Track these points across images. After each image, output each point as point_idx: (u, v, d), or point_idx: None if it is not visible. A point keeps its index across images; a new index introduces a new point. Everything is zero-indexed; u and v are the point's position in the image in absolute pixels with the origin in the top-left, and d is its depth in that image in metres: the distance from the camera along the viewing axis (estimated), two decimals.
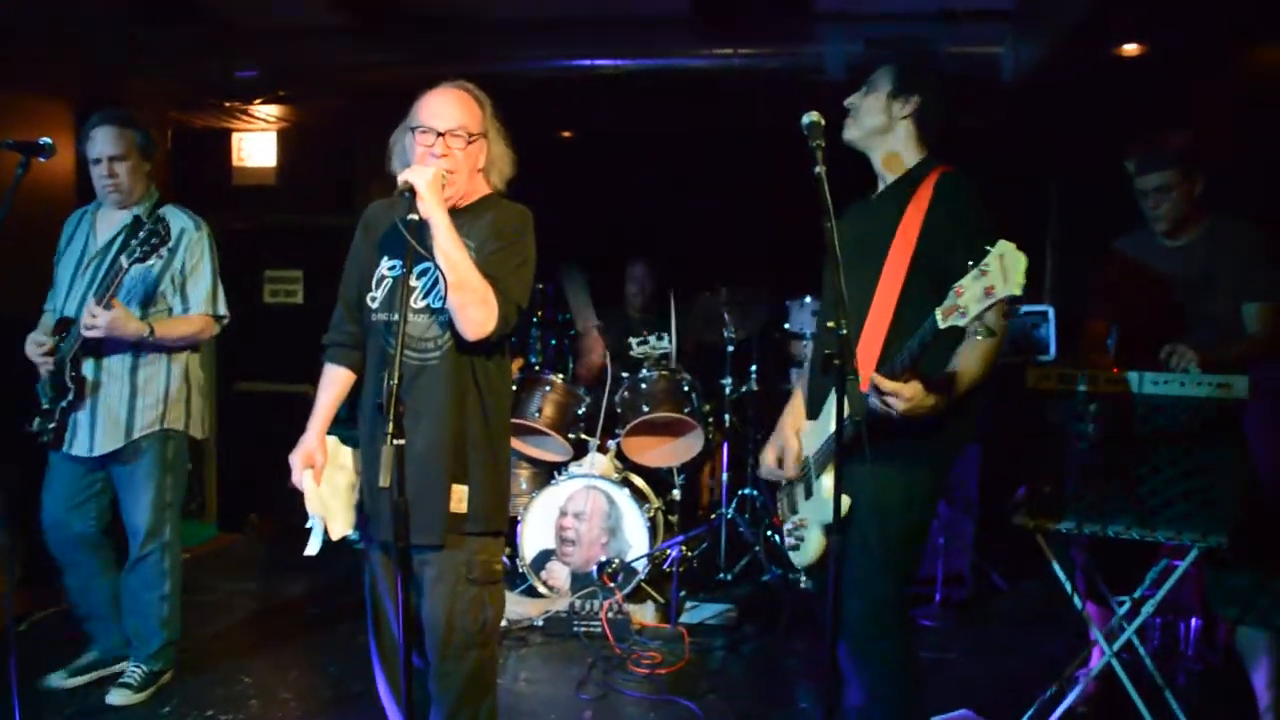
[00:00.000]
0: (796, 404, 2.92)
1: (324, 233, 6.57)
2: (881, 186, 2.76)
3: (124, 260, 3.28)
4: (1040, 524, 3.15)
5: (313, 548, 2.62)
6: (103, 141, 3.53)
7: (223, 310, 3.73)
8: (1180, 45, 4.74)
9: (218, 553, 5.79)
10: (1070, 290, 5.84)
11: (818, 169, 2.36)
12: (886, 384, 2.36)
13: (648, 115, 6.52)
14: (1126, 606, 3.33)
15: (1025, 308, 5.49)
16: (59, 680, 3.71)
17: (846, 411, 2.18)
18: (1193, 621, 4.08)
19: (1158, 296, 3.56)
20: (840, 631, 2.56)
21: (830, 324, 2.20)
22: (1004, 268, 2.12)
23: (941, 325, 2.25)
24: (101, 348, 3.54)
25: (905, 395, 2.37)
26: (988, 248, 2.13)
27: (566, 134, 7.05)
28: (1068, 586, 3.28)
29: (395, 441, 2.15)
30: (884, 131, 2.70)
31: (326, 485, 2.64)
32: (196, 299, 3.64)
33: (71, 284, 3.38)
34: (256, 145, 6.60)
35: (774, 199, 6.02)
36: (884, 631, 2.61)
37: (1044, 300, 6.19)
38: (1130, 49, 4.87)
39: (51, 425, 3.57)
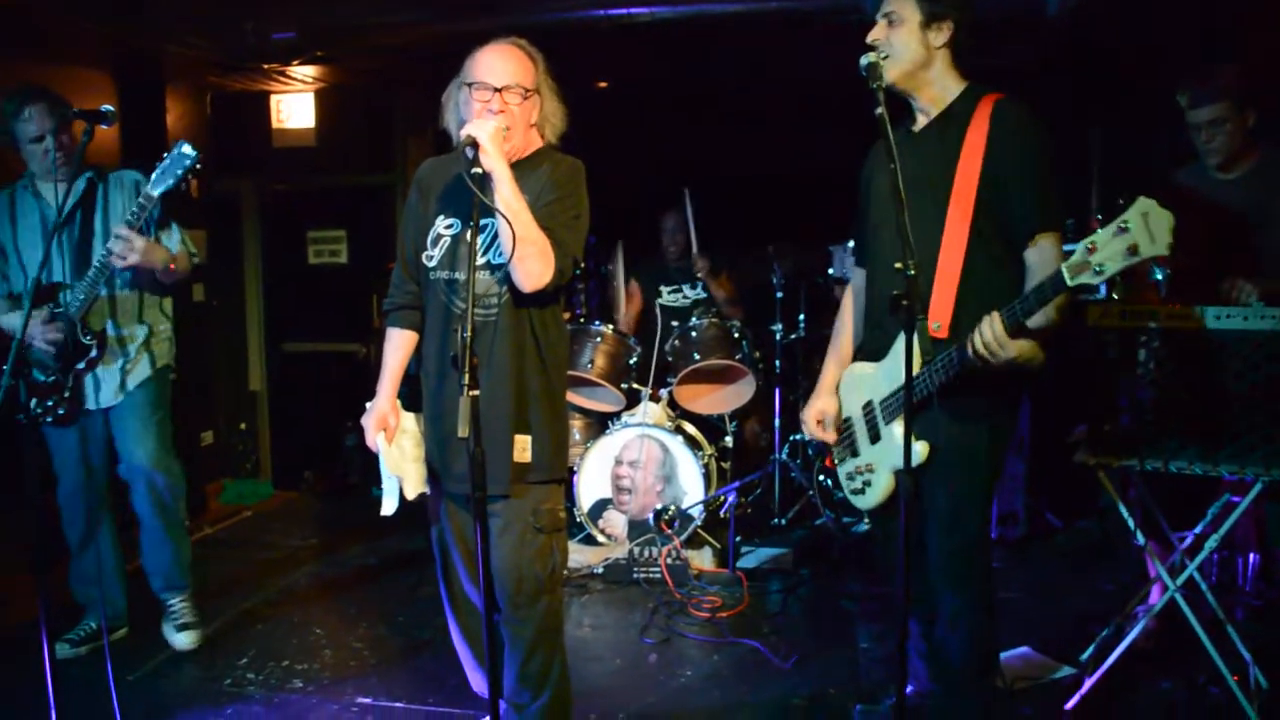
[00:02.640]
0: (837, 355, 2.92)
1: (364, 191, 6.63)
2: (922, 121, 2.67)
3: (152, 191, 3.42)
4: (1102, 461, 3.15)
5: (389, 508, 2.67)
6: (39, 118, 3.53)
7: (192, 246, 3.79)
8: None
9: (276, 510, 5.91)
10: None
11: (878, 110, 2.33)
12: (989, 333, 2.33)
13: (684, 63, 6.46)
14: (1188, 542, 3.34)
15: (1074, 245, 5.45)
16: (63, 652, 3.74)
17: (916, 356, 2.17)
18: (1251, 557, 4.08)
19: (1211, 230, 3.53)
20: (926, 568, 2.64)
21: (897, 265, 2.16)
22: (1149, 226, 2.09)
23: (1070, 282, 2.21)
24: (112, 300, 3.66)
25: (1014, 352, 2.34)
26: (1122, 203, 2.09)
27: (602, 84, 7.02)
28: (1130, 522, 3.30)
29: (471, 392, 2.19)
30: (924, 65, 2.59)
31: (395, 447, 2.69)
32: (172, 239, 3.71)
33: (47, 254, 3.15)
34: (295, 107, 6.62)
35: (815, 143, 5.99)
36: (972, 567, 2.65)
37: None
38: None
39: (63, 396, 3.63)
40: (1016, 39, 5.44)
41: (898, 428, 2.62)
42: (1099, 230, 2.16)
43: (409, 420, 2.74)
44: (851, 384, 2.84)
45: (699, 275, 5.60)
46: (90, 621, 3.87)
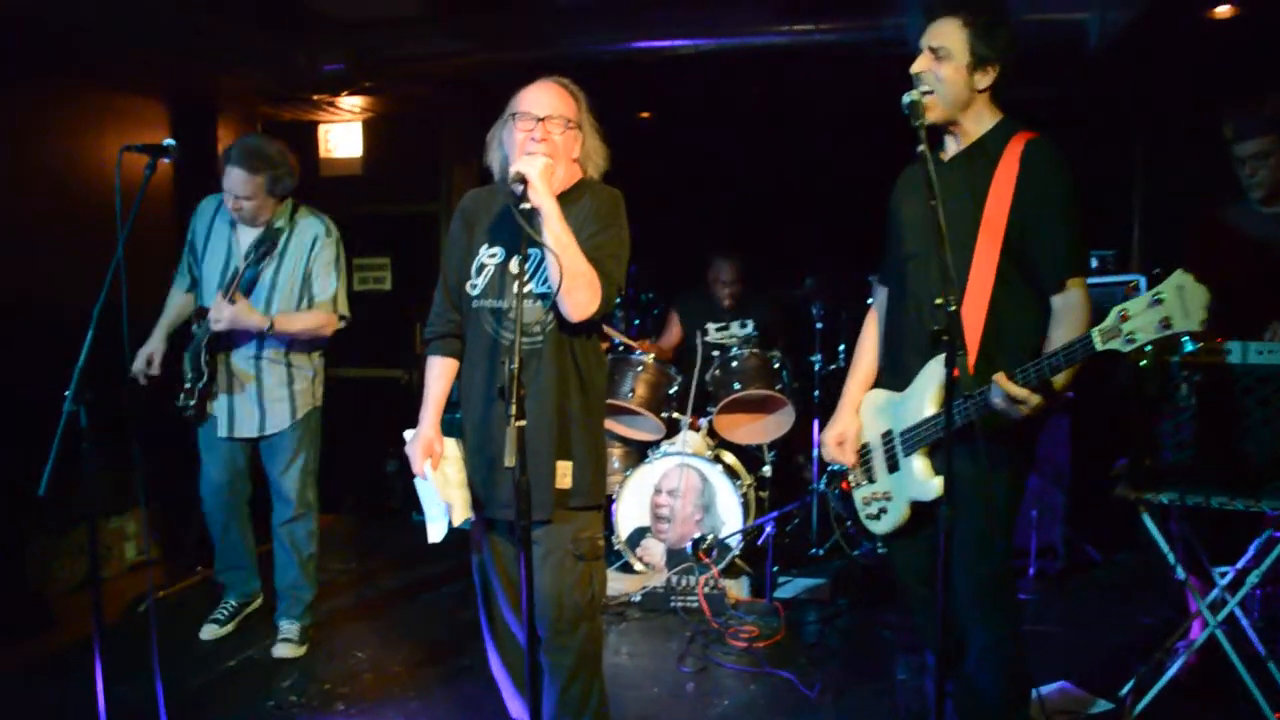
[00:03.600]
0: (859, 377, 2.94)
1: (410, 220, 6.75)
2: (952, 147, 2.68)
3: (240, 264, 3.80)
4: (1142, 495, 3.15)
5: (437, 534, 2.72)
6: (234, 181, 3.83)
7: (344, 310, 4.04)
8: (1275, 5, 4.63)
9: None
10: (1161, 259, 5.75)
11: (920, 148, 2.35)
12: (1018, 391, 2.36)
13: (728, 95, 6.52)
14: (1229, 577, 3.32)
15: (1115, 277, 5.44)
16: (212, 632, 4.23)
17: (956, 389, 2.20)
18: None
19: (1254, 264, 3.52)
20: (952, 604, 2.63)
21: (939, 301, 2.19)
22: (1184, 301, 2.14)
23: (1099, 347, 2.26)
24: (230, 340, 3.93)
25: (1034, 404, 2.37)
26: (1160, 278, 2.15)
27: (645, 115, 7.10)
28: (1170, 558, 3.29)
29: (518, 423, 2.24)
30: (966, 105, 2.60)
31: (439, 475, 2.74)
32: (320, 296, 3.96)
33: (222, 284, 3.85)
34: (343, 136, 6.78)
35: (854, 172, 6.03)
36: (998, 600, 2.66)
37: (1133, 269, 6.12)
38: (1222, 11, 4.75)
39: (193, 402, 3.97)
40: (1057, 69, 5.46)
41: (918, 461, 2.65)
42: (1134, 298, 2.20)
43: (451, 447, 2.79)
44: (871, 410, 2.85)
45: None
46: (231, 599, 4.32)
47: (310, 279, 3.93)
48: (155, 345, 4.02)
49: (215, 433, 4.03)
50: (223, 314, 3.76)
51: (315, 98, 6.20)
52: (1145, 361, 2.47)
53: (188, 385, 3.97)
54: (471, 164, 6.54)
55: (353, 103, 6.44)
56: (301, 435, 4.05)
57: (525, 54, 5.25)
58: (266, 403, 3.99)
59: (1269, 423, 2.98)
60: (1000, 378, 2.38)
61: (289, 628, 4.11)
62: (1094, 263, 5.68)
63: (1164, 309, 2.16)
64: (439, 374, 2.84)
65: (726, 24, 5.16)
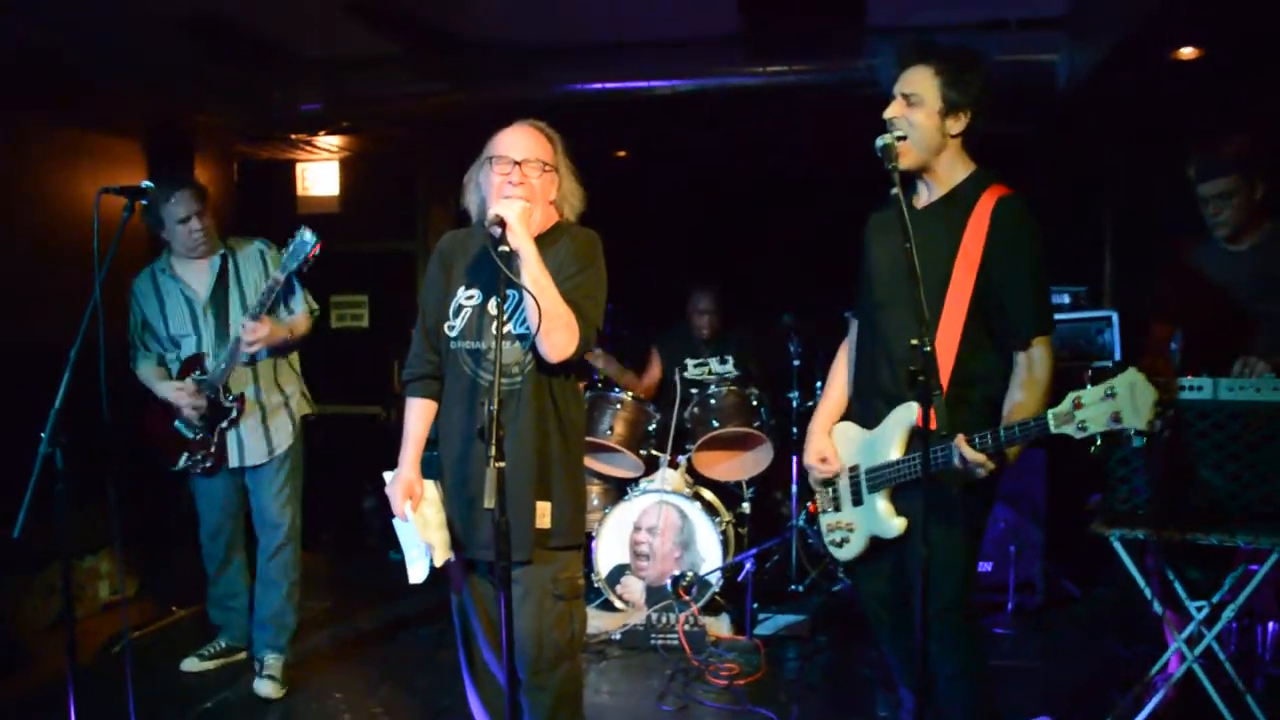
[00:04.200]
0: (829, 405, 3.00)
1: (387, 257, 6.77)
2: (925, 194, 2.75)
3: (280, 275, 3.88)
4: (1117, 531, 3.18)
5: (418, 576, 2.72)
6: (186, 202, 3.97)
7: (313, 304, 4.20)
8: (1238, 48, 4.74)
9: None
10: (1133, 295, 5.83)
11: (894, 190, 2.45)
12: (975, 455, 2.45)
13: (704, 135, 6.59)
14: (1205, 612, 3.35)
15: (1088, 313, 5.51)
16: (192, 665, 4.27)
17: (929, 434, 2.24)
18: (1270, 626, 4.07)
19: (1221, 301, 3.58)
20: (911, 635, 2.70)
21: (914, 341, 2.25)
22: (1135, 400, 2.25)
23: (1054, 430, 2.37)
24: (252, 367, 4.06)
25: (989, 469, 2.47)
26: (1113, 372, 2.30)
27: (621, 154, 7.16)
28: (1147, 592, 3.31)
29: (497, 464, 2.25)
30: (937, 151, 2.67)
31: (419, 516, 2.74)
32: (297, 302, 4.11)
33: (197, 332, 4.03)
34: (320, 175, 6.81)
35: (829, 211, 6.09)
36: (959, 631, 2.70)
37: (1105, 305, 6.20)
38: (1187, 53, 4.87)
39: (209, 451, 4.05)
40: (1029, 108, 5.55)
41: (881, 501, 2.76)
42: (1088, 388, 2.31)
43: (430, 489, 2.79)
44: (842, 441, 2.92)
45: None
46: (221, 640, 4.36)
47: (276, 293, 3.94)
48: (173, 384, 4.03)
49: (216, 481, 4.11)
50: (259, 332, 3.88)
51: (293, 137, 6.23)
52: (1095, 450, 2.58)
53: (197, 438, 4.06)
54: (448, 202, 6.58)
55: (330, 142, 6.48)
56: (295, 458, 4.16)
57: (502, 94, 5.31)
58: (271, 428, 4.09)
59: (1239, 457, 3.02)
60: (961, 441, 2.46)
61: (273, 662, 4.08)
62: (1065, 298, 5.75)
63: (1115, 403, 2.27)
64: (418, 415, 2.84)
65: (701, 65, 5.23)
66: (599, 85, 5.37)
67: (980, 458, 2.45)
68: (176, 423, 4.06)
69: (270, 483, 4.10)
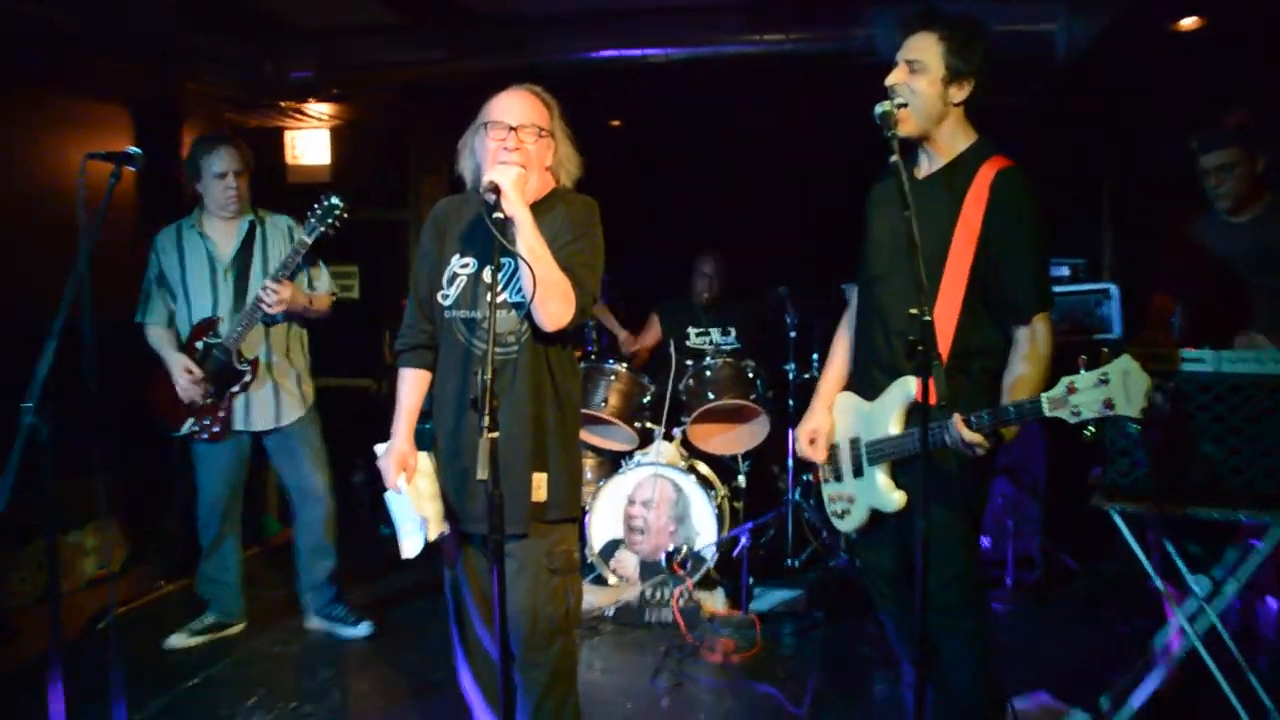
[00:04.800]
0: (831, 376, 3.00)
1: (378, 227, 6.70)
2: (925, 165, 2.75)
3: (307, 238, 3.97)
4: (1118, 505, 3.16)
5: (412, 549, 2.70)
6: (227, 158, 4.10)
7: (337, 288, 4.38)
8: (1240, 18, 4.69)
9: (283, 546, 5.88)
10: (1133, 267, 5.80)
11: (893, 159, 2.44)
12: (972, 436, 2.44)
13: (700, 104, 6.54)
14: (1208, 588, 3.34)
15: (1087, 285, 5.48)
16: (179, 640, 4.28)
17: (932, 403, 2.22)
18: (1270, 602, 4.07)
19: (1221, 273, 3.59)
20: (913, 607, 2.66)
21: (913, 310, 2.23)
22: (1127, 387, 2.24)
23: (1047, 414, 2.35)
24: (265, 332, 4.15)
25: (985, 449, 2.46)
26: (1108, 357, 2.26)
27: (616, 123, 7.10)
28: (1147, 567, 3.30)
29: (491, 435, 2.22)
30: (939, 119, 2.67)
31: (413, 489, 2.71)
32: (322, 280, 4.26)
33: (214, 292, 4.09)
34: (310, 143, 6.73)
35: (827, 182, 6.04)
36: (964, 601, 2.70)
37: (1104, 277, 6.17)
38: (1188, 23, 4.81)
39: (218, 416, 4.10)
40: (1028, 79, 5.51)
41: (880, 474, 2.75)
42: (1082, 373, 2.30)
43: (424, 460, 2.77)
44: (842, 412, 2.92)
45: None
46: (209, 616, 4.38)
47: (301, 258, 4.02)
48: (182, 360, 4.08)
49: (220, 447, 4.16)
50: (282, 294, 3.94)
51: (282, 104, 6.15)
52: (1089, 434, 2.56)
53: (206, 403, 4.10)
54: (441, 171, 6.52)
55: (320, 109, 6.40)
56: (313, 425, 4.29)
57: (494, 62, 5.24)
58: (282, 395, 4.17)
59: (1240, 430, 3.00)
60: (958, 421, 2.45)
61: (343, 614, 4.38)
62: (1065, 270, 5.72)
63: (1108, 390, 2.26)
64: (411, 386, 2.82)
65: (697, 33, 5.17)
66: (593, 54, 5.31)
67: (976, 438, 2.44)
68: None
69: (296, 453, 4.22)
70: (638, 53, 5.25)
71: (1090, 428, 2.40)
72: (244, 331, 4.03)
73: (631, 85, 6.01)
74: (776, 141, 6.86)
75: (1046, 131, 6.17)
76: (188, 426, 4.10)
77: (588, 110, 5.80)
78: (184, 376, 4.03)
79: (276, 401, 4.16)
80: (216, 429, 4.09)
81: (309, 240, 3.96)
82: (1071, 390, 2.32)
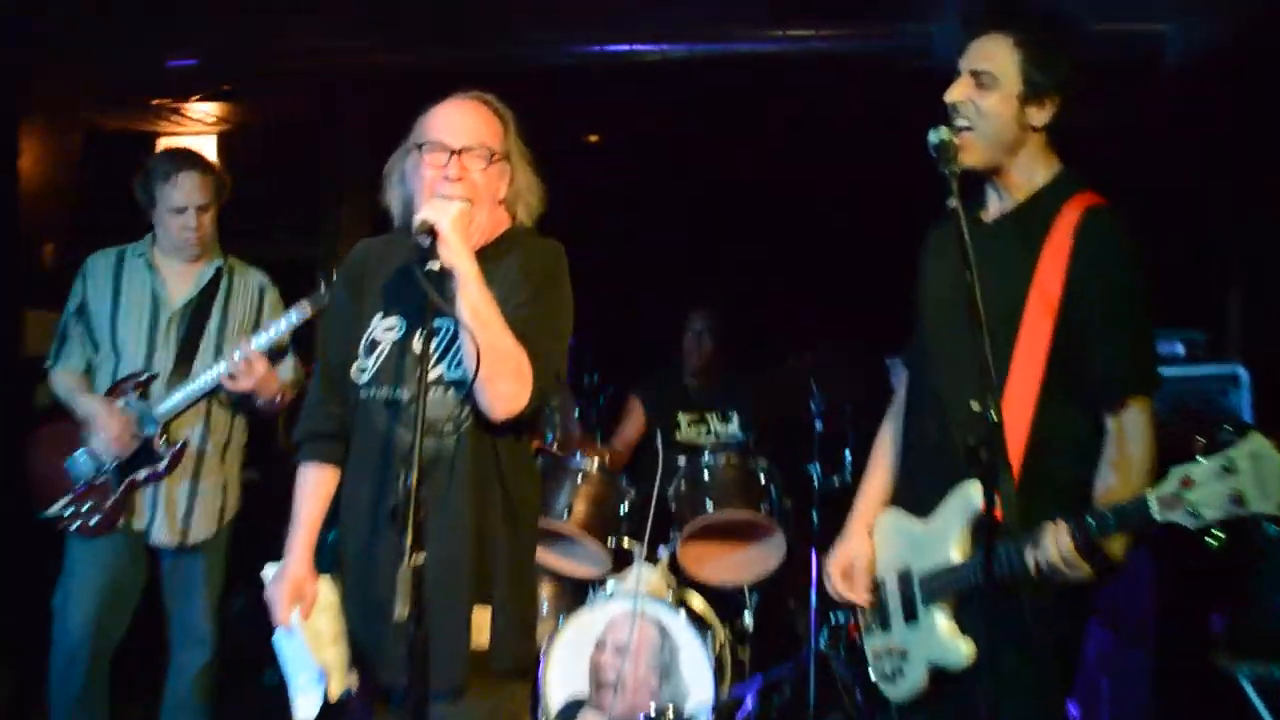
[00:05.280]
0: (873, 488, 2.99)
1: (278, 267, 6.70)
2: (994, 204, 2.77)
3: (295, 318, 4.10)
4: (1246, 665, 3.16)
5: (308, 710, 2.67)
6: (189, 189, 4.13)
7: (301, 372, 4.33)
8: None
9: None
10: (1271, 343, 5.84)
11: (951, 202, 2.44)
12: (1068, 547, 2.39)
13: (701, 115, 6.60)
14: None
15: (1207, 367, 5.52)
16: None
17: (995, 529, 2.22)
18: None
19: None
20: None
21: (974, 405, 2.23)
22: (1262, 475, 2.18)
23: (1158, 518, 2.29)
24: (206, 412, 4.12)
25: (1085, 571, 2.41)
26: (1232, 439, 2.22)
27: (593, 138, 7.17)
28: None
29: (415, 559, 2.22)
30: (1013, 148, 2.68)
31: (310, 628, 2.69)
32: (288, 365, 4.27)
33: (151, 344, 4.08)
34: None
35: (868, 225, 6.08)
36: None
37: (1231, 356, 6.21)
38: None
39: (103, 503, 3.98)
40: (1124, 94, 5.58)
41: (941, 616, 2.68)
42: (1200, 461, 2.25)
43: (326, 589, 2.75)
44: (887, 535, 2.89)
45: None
46: None
47: (273, 342, 4.09)
48: (104, 404, 4.01)
49: (105, 548, 4.04)
50: (258, 369, 3.96)
51: (155, 102, 6.21)
52: (1216, 544, 2.55)
53: (91, 483, 4.00)
54: (363, 198, 6.56)
55: (206, 111, 6.46)
56: (224, 551, 4.25)
57: (442, 56, 5.31)
58: (200, 502, 4.12)
59: None
60: (1053, 532, 2.40)
61: None
62: (1178, 347, 5.76)
63: (1236, 481, 2.20)
64: (313, 489, 2.80)
65: (702, 25, 5.25)
66: (568, 48, 5.39)
67: (1075, 555, 2.40)
68: (77, 455, 4.04)
69: (196, 580, 4.15)
70: (624, 48, 5.33)
71: (1216, 532, 2.39)
72: (184, 405, 4.01)
73: (615, 89, 6.08)
74: (801, 166, 6.92)
75: (1153, 161, 6.24)
76: (59, 508, 4.00)
77: (557, 120, 5.90)
78: (106, 419, 3.94)
79: (190, 509, 4.10)
80: (97, 520, 3.98)
81: (296, 321, 4.08)
82: (1187, 484, 2.25)
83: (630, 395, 5.89)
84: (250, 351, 3.95)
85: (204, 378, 4.00)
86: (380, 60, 5.43)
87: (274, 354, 4.15)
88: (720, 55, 5.32)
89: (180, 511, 4.07)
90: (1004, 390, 2.57)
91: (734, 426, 5.61)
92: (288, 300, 4.31)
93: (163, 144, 6.73)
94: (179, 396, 4.01)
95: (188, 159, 4.23)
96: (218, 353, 4.10)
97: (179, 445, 4.04)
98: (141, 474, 4.01)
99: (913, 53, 5.10)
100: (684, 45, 5.29)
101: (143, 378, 4.05)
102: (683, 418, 5.66)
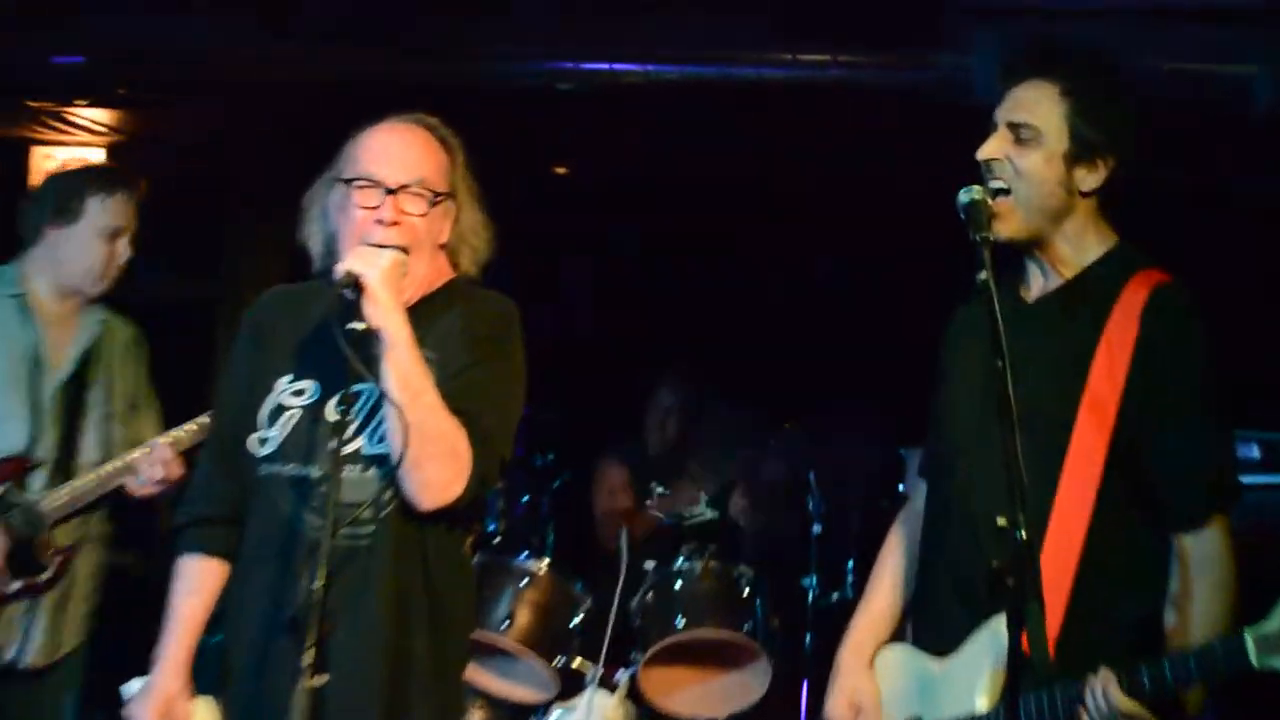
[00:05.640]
0: (872, 612, 2.98)
1: (166, 310, 6.69)
2: (1038, 282, 2.76)
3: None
4: None
5: None
6: (124, 208, 4.11)
7: None
8: None
9: None
10: None
11: (981, 275, 2.38)
12: (1130, 705, 2.32)
13: (688, 150, 6.63)
14: None
15: None
16: None
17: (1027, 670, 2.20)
18: None
19: None
20: None
21: (1001, 521, 2.20)
22: None
23: (1256, 664, 2.21)
24: (88, 515, 4.01)
25: None
26: None
27: (561, 170, 7.20)
28: None
29: (315, 680, 2.20)
30: (1059, 216, 2.67)
31: None
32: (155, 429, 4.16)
33: (34, 412, 3.92)
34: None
35: (886, 293, 6.11)
36: None
37: None
38: None
39: None
40: (1207, 147, 5.62)
41: None
42: None
43: (203, 712, 2.73)
44: (895, 676, 2.87)
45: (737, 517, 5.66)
46: None
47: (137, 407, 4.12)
48: None
49: None
50: (173, 471, 3.80)
51: (33, 105, 6.21)
52: None
53: None
54: (277, 228, 6.56)
55: (94, 118, 6.46)
56: (82, 667, 4.16)
57: (377, 66, 5.30)
58: (70, 611, 4.04)
59: None
60: (1105, 683, 2.34)
61: None
62: (1253, 450, 5.79)
63: None
64: (193, 586, 2.78)
65: (698, 44, 5.27)
66: (531, 62, 5.41)
67: (1135, 709, 2.38)
68: None
69: (63, 708, 4.11)
70: (603, 67, 5.35)
71: None
72: (76, 503, 3.89)
73: (590, 114, 6.10)
74: (806, 215, 6.95)
75: (1233, 228, 6.28)
76: None
77: (516, 149, 5.92)
78: None
79: (63, 619, 4.02)
80: None
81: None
82: None
83: (602, 459, 5.90)
84: (168, 450, 3.83)
85: (96, 476, 3.89)
86: (302, 68, 5.41)
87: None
88: (714, 80, 5.34)
89: (54, 625, 3.99)
90: (1054, 500, 2.55)
91: (701, 508, 5.59)
92: (169, 352, 4.34)
93: (41, 154, 6.76)
94: (66, 495, 3.88)
95: (122, 175, 4.23)
96: (101, 437, 4.04)
97: (66, 550, 3.95)
98: (16, 586, 3.86)
99: (946, 88, 5.12)
100: (672, 67, 5.30)
101: (27, 464, 3.91)
102: (654, 486, 5.66)
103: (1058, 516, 2.55)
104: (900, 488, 5.71)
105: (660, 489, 5.62)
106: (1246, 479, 4.95)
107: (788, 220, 6.99)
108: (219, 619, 2.78)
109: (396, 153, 2.72)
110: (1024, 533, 2.16)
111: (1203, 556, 2.56)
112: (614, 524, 5.76)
